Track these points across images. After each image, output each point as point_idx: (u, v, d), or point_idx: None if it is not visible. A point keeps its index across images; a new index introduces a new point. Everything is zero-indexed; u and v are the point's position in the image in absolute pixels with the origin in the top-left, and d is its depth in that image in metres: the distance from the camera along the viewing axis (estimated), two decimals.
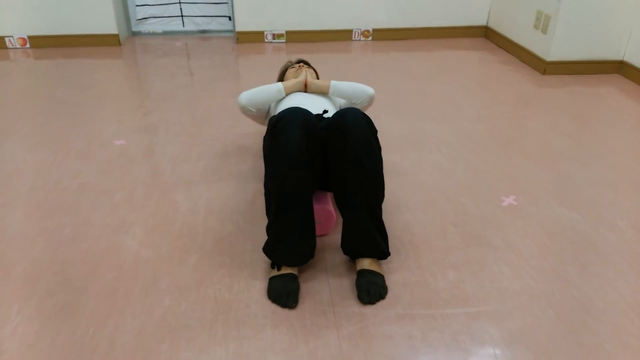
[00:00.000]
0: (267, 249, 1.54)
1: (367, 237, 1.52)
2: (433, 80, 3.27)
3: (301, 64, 2.33)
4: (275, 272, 1.53)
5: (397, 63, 3.59)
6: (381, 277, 1.53)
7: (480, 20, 4.17)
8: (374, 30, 4.10)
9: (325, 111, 1.94)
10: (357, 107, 2.12)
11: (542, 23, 3.35)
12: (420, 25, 4.13)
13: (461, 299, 1.50)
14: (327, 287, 1.53)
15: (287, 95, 2.08)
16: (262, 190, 2.03)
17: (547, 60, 3.34)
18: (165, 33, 4.17)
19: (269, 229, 1.53)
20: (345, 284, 1.55)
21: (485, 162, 2.27)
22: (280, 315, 1.43)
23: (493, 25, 4.10)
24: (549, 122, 2.68)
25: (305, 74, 2.13)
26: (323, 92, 2.10)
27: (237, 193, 2.02)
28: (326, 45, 4.00)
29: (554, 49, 3.30)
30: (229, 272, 1.59)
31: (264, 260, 1.64)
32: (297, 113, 1.46)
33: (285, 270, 1.51)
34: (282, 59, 3.64)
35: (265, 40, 4.02)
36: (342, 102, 2.17)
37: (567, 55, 3.33)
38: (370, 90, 2.07)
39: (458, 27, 4.17)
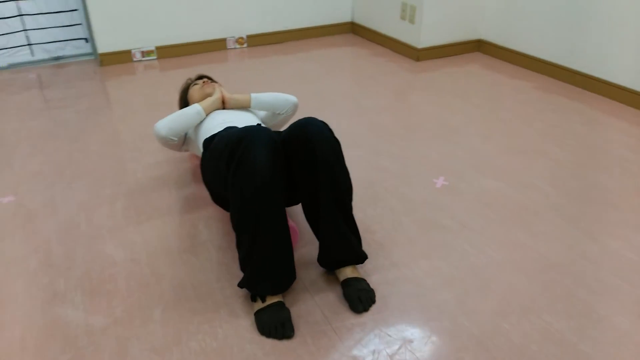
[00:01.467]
0: (247, 283, 1.42)
1: (346, 245, 1.49)
2: (323, 78, 3.31)
3: (204, 79, 2.18)
4: (260, 305, 1.41)
5: (282, 66, 3.56)
6: (365, 281, 1.50)
7: (345, 17, 4.33)
8: (248, 36, 4.02)
9: (259, 124, 1.85)
10: (281, 117, 2.06)
11: (409, 14, 3.59)
12: (291, 27, 4.15)
13: (444, 284, 1.54)
14: (315, 305, 1.46)
15: (207, 115, 1.94)
16: (203, 220, 1.87)
17: (419, 48, 3.59)
18: (12, 66, 3.62)
19: (245, 261, 1.40)
20: (332, 298, 1.49)
21: (404, 150, 2.36)
22: (281, 348, 1.33)
23: (359, 20, 4.28)
24: (439, 103, 2.88)
25: (221, 90, 2.01)
26: (244, 107, 2.01)
27: (174, 229, 1.83)
28: (201, 57, 3.82)
29: (423, 37, 3.55)
30: (206, 318, 1.43)
31: (238, 295, 1.51)
32: (258, 131, 1.36)
33: (271, 300, 1.41)
34: (157, 78, 3.39)
35: (134, 59, 3.70)
36: (262, 115, 2.09)
37: (435, 41, 3.61)
38: (293, 98, 2.03)
39: (327, 25, 4.27)
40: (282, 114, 2.06)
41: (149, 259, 1.67)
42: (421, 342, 1.34)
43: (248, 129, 1.37)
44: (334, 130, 2.54)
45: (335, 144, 1.45)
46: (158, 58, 3.77)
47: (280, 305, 1.40)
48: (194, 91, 2.12)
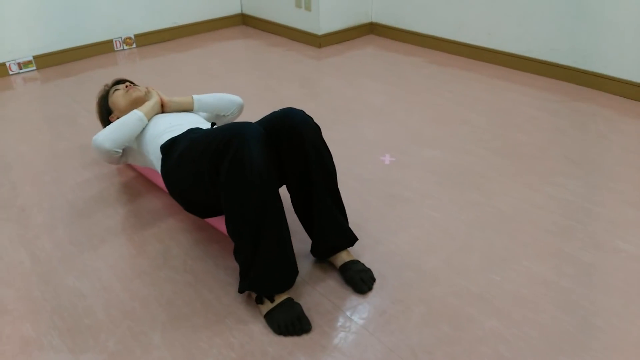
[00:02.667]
0: (252, 285, 1.36)
1: (340, 229, 1.50)
2: (230, 73, 3.23)
3: (127, 83, 2.02)
4: (269, 305, 1.37)
5: (180, 65, 3.39)
6: (360, 262, 1.53)
7: (234, 9, 4.24)
8: (135, 36, 3.75)
9: (214, 124, 1.77)
10: (226, 119, 2.00)
11: (304, 2, 3.63)
12: (180, 22, 3.96)
13: (428, 251, 1.63)
14: (320, 296, 1.46)
15: (148, 121, 1.80)
16: (166, 233, 1.74)
17: (320, 35, 3.65)
18: None
19: (248, 264, 1.35)
20: (333, 285, 1.50)
21: (341, 133, 2.41)
22: (303, 343, 1.31)
23: (249, 11, 4.22)
24: (355, 86, 2.98)
25: (157, 93, 1.88)
26: (186, 109, 1.90)
27: (139, 247, 1.68)
28: (88, 62, 3.48)
29: (322, 23, 3.62)
30: (213, 331, 1.35)
31: (238, 301, 1.45)
32: (248, 127, 1.30)
33: (280, 298, 1.38)
34: (42, 90, 3.03)
35: (10, 72, 3.25)
36: (206, 117, 1.99)
37: (334, 26, 3.70)
38: (238, 99, 1.97)
39: (217, 18, 4.15)
40: (228, 115, 1.98)
41: (123, 283, 1.52)
42: (432, 307, 1.41)
43: (235, 125, 1.31)
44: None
45: (319, 130, 1.45)
46: (38, 68, 3.36)
47: (291, 301, 1.38)
48: (117, 97, 1.95)
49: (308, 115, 1.45)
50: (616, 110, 2.56)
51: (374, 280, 1.50)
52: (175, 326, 1.37)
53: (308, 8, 3.63)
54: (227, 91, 2.90)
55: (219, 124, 2.01)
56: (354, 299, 1.45)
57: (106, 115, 2.04)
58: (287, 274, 1.37)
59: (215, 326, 1.37)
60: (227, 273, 1.56)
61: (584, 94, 2.77)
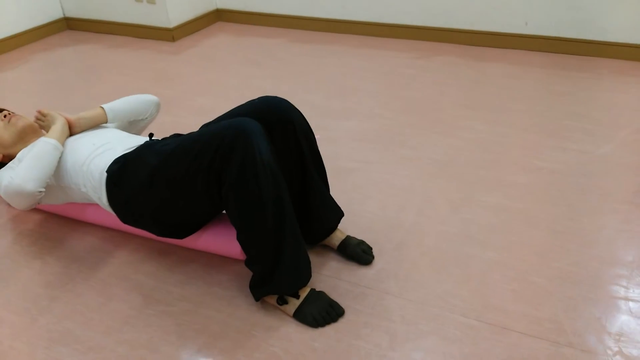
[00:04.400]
0: (277, 287, 1.29)
1: (333, 209, 1.51)
2: (86, 84, 2.85)
3: (5, 112, 1.69)
4: (296, 303, 1.32)
5: (12, 84, 2.89)
6: (352, 236, 1.55)
7: (56, 14, 3.71)
8: None
9: (152, 134, 1.58)
10: (145, 122, 1.80)
11: None
12: None
13: (401, 210, 1.71)
14: (331, 279, 1.44)
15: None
16: (126, 265, 1.52)
17: (172, 27, 3.42)
18: None
19: (267, 268, 1.27)
20: (337, 266, 1.49)
21: None
22: (344, 328, 1.30)
23: (73, 14, 3.73)
24: (238, 74, 2.90)
25: (59, 114, 1.60)
26: (98, 124, 1.66)
27: (102, 293, 1.44)
28: None
29: (171, 15, 3.39)
30: (248, 348, 1.25)
31: (253, 310, 1.36)
32: (248, 122, 1.20)
33: (304, 292, 1.33)
34: None
35: None
36: (121, 125, 1.76)
37: (183, 17, 3.49)
38: (153, 97, 1.78)
39: (35, 28, 3.58)
40: (146, 118, 1.78)
41: (113, 336, 1.30)
42: (433, 257, 1.50)
43: (232, 123, 1.20)
44: (181, 126, 2.33)
45: (302, 115, 1.42)
46: None
47: (314, 292, 1.34)
48: None
49: (288, 101, 1.40)
50: (473, 57, 2.94)
51: (371, 248, 1.53)
52: (207, 357, 1.24)
53: (151, 1, 3.36)
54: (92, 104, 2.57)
55: (134, 130, 1.79)
56: (364, 272, 1.47)
57: None
58: (306, 266, 1.33)
59: (246, 342, 1.27)
60: (224, 287, 1.44)
61: (438, 47, 3.11)
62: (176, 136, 1.51)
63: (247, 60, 3.08)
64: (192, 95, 2.64)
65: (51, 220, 1.75)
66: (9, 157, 1.71)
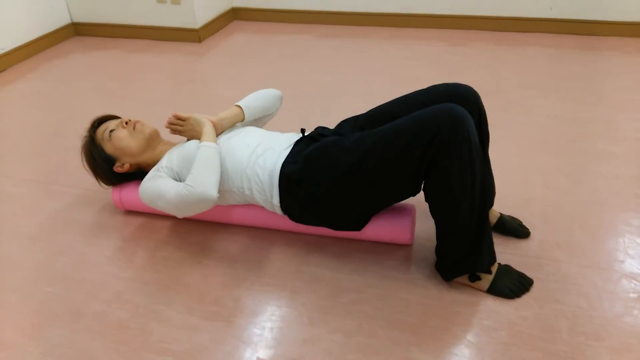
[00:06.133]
0: (475, 265, 1.34)
1: (493, 188, 1.56)
2: (130, 89, 2.76)
3: (125, 119, 1.63)
4: (489, 278, 1.37)
5: (38, 94, 2.75)
6: (503, 214, 1.62)
7: (63, 19, 3.52)
8: None
9: (303, 129, 1.58)
10: (271, 117, 1.78)
11: None
12: (8, 48, 3.13)
13: (529, 183, 1.80)
14: (502, 255, 1.49)
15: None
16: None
17: (197, 28, 3.34)
18: None
19: (470, 246, 1.31)
20: (498, 242, 1.53)
21: (328, 113, 2.36)
22: (539, 294, 1.37)
23: (82, 19, 3.56)
24: (282, 69, 2.89)
25: (203, 117, 1.57)
26: (235, 123, 1.64)
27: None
28: None
29: (198, 15, 3.32)
30: (462, 328, 1.30)
31: (443, 290, 1.40)
32: (458, 108, 1.21)
33: (494, 267, 1.38)
34: None
35: None
36: (248, 122, 1.73)
37: (208, 16, 3.43)
38: (277, 91, 1.76)
39: (42, 37, 3.38)
40: (272, 113, 1.77)
41: (318, 329, 1.31)
42: (584, 222, 1.60)
43: (447, 108, 1.20)
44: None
45: None
46: None
47: (501, 265, 1.40)
48: (123, 139, 1.61)
49: None
50: (507, 41, 3.09)
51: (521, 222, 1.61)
52: (433, 339, 1.27)
53: (176, 1, 3.28)
54: (135, 110, 2.50)
55: (259, 125, 1.77)
56: (526, 244, 1.54)
57: (107, 165, 1.62)
58: (492, 241, 1.38)
59: (455, 319, 1.31)
60: (401, 271, 1.47)
61: (470, 35, 3.24)
62: (334, 131, 1.51)
63: (282, 56, 3.08)
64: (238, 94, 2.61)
65: (181, 226, 1.70)
66: (136, 166, 1.65)
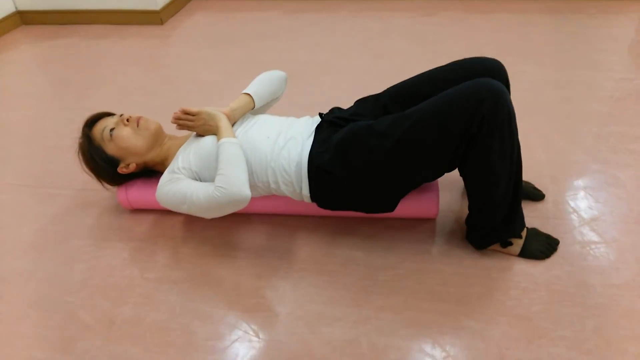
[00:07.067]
0: (510, 231, 1.38)
1: None
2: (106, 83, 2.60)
3: (123, 115, 1.53)
4: (519, 242, 1.41)
5: None
6: None
7: (6, 8, 3.24)
8: None
9: (322, 114, 1.54)
10: (277, 100, 1.73)
11: None
12: None
13: (529, 147, 1.86)
14: None
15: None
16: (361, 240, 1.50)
17: (159, 9, 3.17)
18: None
19: (504, 214, 1.34)
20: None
21: (310, 94, 2.33)
22: (566, 254, 1.42)
23: (28, 6, 3.29)
24: (255, 47, 2.82)
25: (213, 109, 1.49)
26: (246, 111, 1.57)
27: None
28: None
29: None
30: (506, 291, 1.34)
31: (476, 257, 1.43)
32: (497, 84, 1.19)
33: (523, 232, 1.43)
34: None
35: None
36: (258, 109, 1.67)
37: None
38: (282, 73, 1.69)
39: None
40: (279, 96, 1.71)
41: (365, 310, 1.31)
42: (587, 183, 1.68)
43: (483, 87, 1.18)
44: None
45: None
46: None
47: (529, 229, 1.45)
48: (127, 138, 1.51)
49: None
50: (474, 9, 3.14)
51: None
52: (479, 307, 1.30)
53: None
54: (106, 103, 2.38)
55: (265, 111, 1.71)
56: (542, 207, 1.59)
57: (111, 167, 1.52)
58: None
59: (493, 284, 1.34)
60: (430, 243, 1.49)
61: (438, 4, 3.26)
62: (353, 112, 1.48)
63: (255, 35, 2.99)
64: (219, 78, 2.53)
65: (195, 221, 1.64)
66: (143, 165, 1.56)
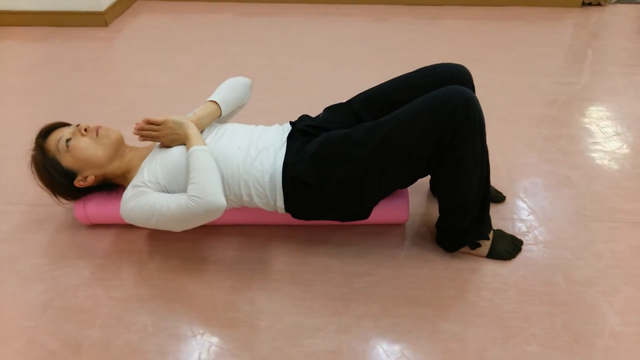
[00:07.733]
0: (479, 233, 1.43)
1: None
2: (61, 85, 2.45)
3: (81, 125, 1.46)
4: (487, 244, 1.46)
5: None
6: None
7: None
8: None
9: (292, 122, 1.52)
10: (242, 108, 1.70)
11: None
12: None
13: None
14: None
15: None
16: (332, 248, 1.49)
17: (103, 11, 3.03)
18: None
19: (474, 218, 1.39)
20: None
21: (271, 99, 2.31)
22: (530, 254, 1.49)
23: None
24: (210, 52, 2.76)
25: (183, 117, 1.44)
26: (215, 118, 1.53)
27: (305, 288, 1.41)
28: None
29: None
30: (474, 290, 1.38)
31: (446, 260, 1.47)
32: (467, 91, 1.23)
33: (490, 233, 1.48)
34: None
35: None
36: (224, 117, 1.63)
37: None
38: (247, 79, 1.66)
39: None
40: (245, 103, 1.68)
41: (345, 318, 1.31)
42: (540, 182, 1.77)
43: (454, 94, 1.22)
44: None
45: None
46: None
47: (495, 230, 1.50)
48: (87, 149, 1.43)
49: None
50: (424, 15, 3.22)
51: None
52: (454, 309, 1.33)
53: None
54: (50, 112, 2.27)
55: (230, 117, 1.67)
56: (503, 208, 1.66)
57: (67, 181, 1.44)
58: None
59: (466, 286, 1.39)
60: (401, 247, 1.52)
61: (390, 10, 3.32)
62: (323, 119, 1.48)
63: (207, 38, 2.93)
64: (172, 83, 2.46)
65: (162, 233, 1.58)
66: (102, 178, 1.48)
